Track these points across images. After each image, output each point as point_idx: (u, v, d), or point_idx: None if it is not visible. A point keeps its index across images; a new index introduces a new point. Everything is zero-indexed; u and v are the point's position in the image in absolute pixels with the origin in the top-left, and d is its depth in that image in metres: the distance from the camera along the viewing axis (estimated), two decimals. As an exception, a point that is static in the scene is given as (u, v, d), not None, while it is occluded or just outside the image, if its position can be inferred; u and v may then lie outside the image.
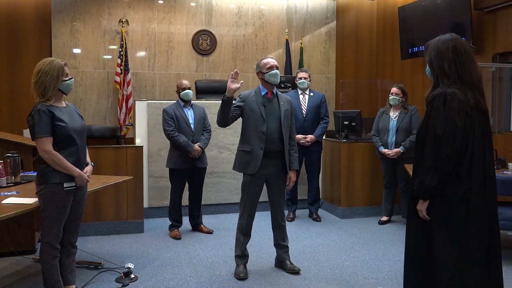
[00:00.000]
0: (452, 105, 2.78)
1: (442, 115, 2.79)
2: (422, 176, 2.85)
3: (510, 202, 5.06)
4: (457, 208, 2.80)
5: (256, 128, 4.46)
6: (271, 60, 4.55)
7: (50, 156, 3.51)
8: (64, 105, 3.71)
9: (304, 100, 6.59)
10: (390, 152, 6.31)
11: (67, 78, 3.62)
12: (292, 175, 4.60)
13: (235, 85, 4.27)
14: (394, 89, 6.36)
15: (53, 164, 3.52)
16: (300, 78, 6.61)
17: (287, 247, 4.72)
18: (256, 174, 4.48)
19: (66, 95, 3.70)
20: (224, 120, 4.39)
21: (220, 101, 4.37)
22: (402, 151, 6.24)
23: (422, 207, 2.92)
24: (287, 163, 4.55)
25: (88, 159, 3.87)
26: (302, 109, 6.54)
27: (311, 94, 6.66)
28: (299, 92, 6.65)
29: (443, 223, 2.84)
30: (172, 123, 5.74)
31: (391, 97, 6.37)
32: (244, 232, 4.59)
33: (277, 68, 4.53)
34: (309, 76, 6.67)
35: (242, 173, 4.59)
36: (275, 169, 4.54)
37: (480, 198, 2.81)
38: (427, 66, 3.03)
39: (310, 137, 6.46)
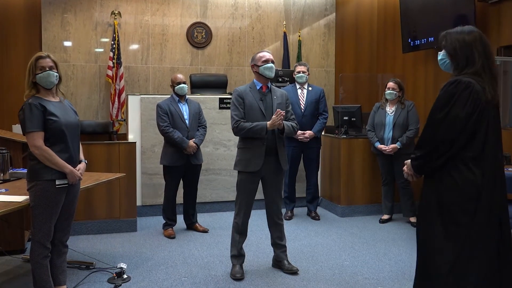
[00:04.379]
0: (464, 93, 2.81)
1: (449, 100, 2.82)
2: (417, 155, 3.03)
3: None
4: (467, 203, 2.82)
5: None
6: (267, 54, 4.59)
7: (41, 152, 3.51)
8: (57, 100, 3.70)
9: (302, 94, 6.59)
10: (387, 148, 6.32)
11: (40, 72, 3.59)
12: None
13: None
14: (390, 84, 6.38)
15: (44, 160, 3.52)
16: (299, 72, 6.60)
17: (284, 246, 4.73)
18: (252, 173, 4.49)
19: (48, 89, 3.65)
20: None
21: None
22: (398, 147, 6.25)
23: (410, 171, 3.12)
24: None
25: (81, 156, 3.87)
26: (300, 104, 6.53)
27: (310, 88, 6.65)
28: (297, 86, 6.64)
29: (450, 218, 2.87)
30: (166, 118, 5.73)
31: (387, 91, 6.38)
32: (239, 231, 4.59)
33: (272, 62, 4.55)
34: (308, 70, 6.66)
35: (237, 171, 4.61)
36: (271, 166, 4.54)
37: (491, 195, 2.84)
38: (443, 56, 3.02)
39: (308, 133, 6.46)
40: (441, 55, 3.05)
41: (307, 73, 6.62)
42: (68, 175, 3.63)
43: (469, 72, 2.88)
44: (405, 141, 6.22)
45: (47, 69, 3.61)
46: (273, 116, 4.34)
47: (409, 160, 3.11)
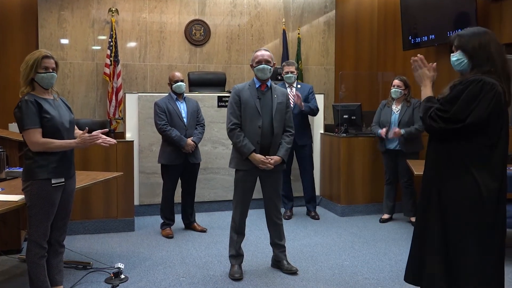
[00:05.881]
0: (488, 95, 2.81)
1: (473, 100, 2.82)
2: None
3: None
4: (473, 204, 2.86)
5: (252, 122, 4.46)
6: (260, 54, 4.55)
7: (41, 146, 3.50)
8: (52, 97, 3.70)
9: (291, 93, 6.55)
10: (390, 132, 6.19)
11: (43, 71, 3.59)
12: (274, 158, 4.48)
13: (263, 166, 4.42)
14: (396, 81, 6.34)
15: (48, 149, 3.52)
16: (287, 72, 6.53)
17: (283, 246, 4.72)
18: (248, 170, 4.49)
19: (45, 89, 3.66)
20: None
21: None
22: (402, 133, 6.15)
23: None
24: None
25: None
26: (290, 102, 6.48)
27: (299, 86, 6.63)
28: (286, 85, 6.61)
29: (452, 218, 2.91)
30: (164, 117, 5.72)
31: (393, 89, 6.35)
32: (237, 230, 4.59)
33: (267, 62, 4.51)
34: (296, 69, 6.64)
35: (235, 170, 4.61)
36: None
37: (497, 197, 2.88)
38: (460, 56, 2.99)
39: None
40: (456, 55, 3.01)
41: (295, 73, 6.59)
42: (79, 145, 3.64)
43: (490, 71, 2.88)
44: (413, 131, 6.11)
45: (51, 70, 3.62)
46: (264, 166, 4.41)
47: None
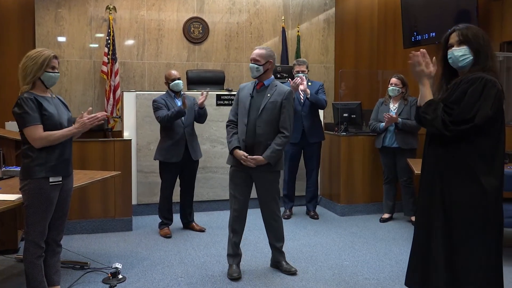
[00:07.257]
0: (491, 93, 2.81)
1: (478, 99, 2.82)
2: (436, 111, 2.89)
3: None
4: (475, 204, 2.87)
5: (241, 120, 4.53)
6: (252, 53, 4.57)
7: (44, 140, 3.51)
8: (50, 96, 3.71)
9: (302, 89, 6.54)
10: (387, 116, 6.18)
11: (51, 71, 3.62)
12: (256, 158, 4.43)
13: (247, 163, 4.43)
14: (393, 80, 6.36)
15: (51, 143, 3.54)
16: (298, 72, 6.53)
17: (282, 248, 4.72)
18: (237, 166, 4.52)
19: (47, 88, 3.68)
20: None
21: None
22: (399, 120, 6.17)
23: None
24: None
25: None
26: (300, 98, 6.48)
27: (309, 83, 6.61)
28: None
29: (453, 217, 2.92)
30: (164, 108, 5.68)
31: (390, 87, 6.37)
32: (232, 228, 4.60)
33: (255, 61, 4.50)
34: (307, 67, 6.62)
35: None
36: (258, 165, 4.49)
37: (497, 196, 2.89)
38: (467, 52, 2.94)
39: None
40: (462, 51, 2.93)
41: (306, 71, 6.58)
42: (79, 130, 3.65)
43: (489, 69, 2.89)
44: (412, 123, 6.09)
45: (57, 70, 3.67)
46: (245, 163, 4.43)
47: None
